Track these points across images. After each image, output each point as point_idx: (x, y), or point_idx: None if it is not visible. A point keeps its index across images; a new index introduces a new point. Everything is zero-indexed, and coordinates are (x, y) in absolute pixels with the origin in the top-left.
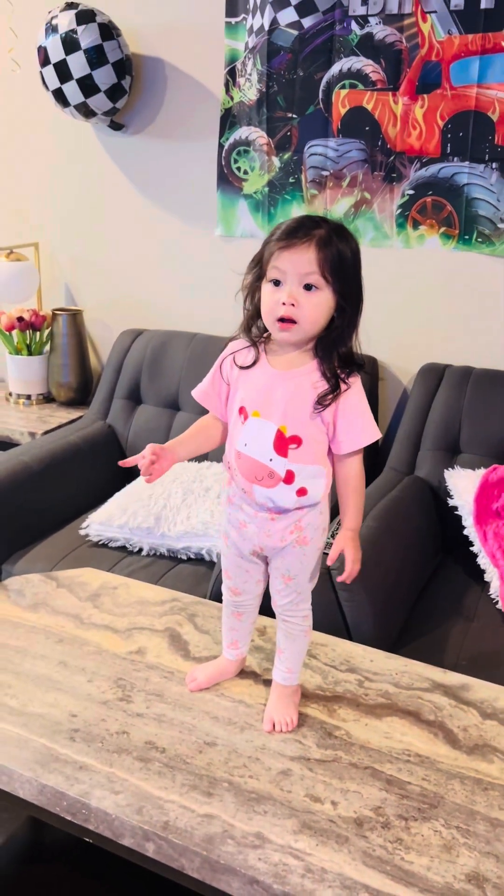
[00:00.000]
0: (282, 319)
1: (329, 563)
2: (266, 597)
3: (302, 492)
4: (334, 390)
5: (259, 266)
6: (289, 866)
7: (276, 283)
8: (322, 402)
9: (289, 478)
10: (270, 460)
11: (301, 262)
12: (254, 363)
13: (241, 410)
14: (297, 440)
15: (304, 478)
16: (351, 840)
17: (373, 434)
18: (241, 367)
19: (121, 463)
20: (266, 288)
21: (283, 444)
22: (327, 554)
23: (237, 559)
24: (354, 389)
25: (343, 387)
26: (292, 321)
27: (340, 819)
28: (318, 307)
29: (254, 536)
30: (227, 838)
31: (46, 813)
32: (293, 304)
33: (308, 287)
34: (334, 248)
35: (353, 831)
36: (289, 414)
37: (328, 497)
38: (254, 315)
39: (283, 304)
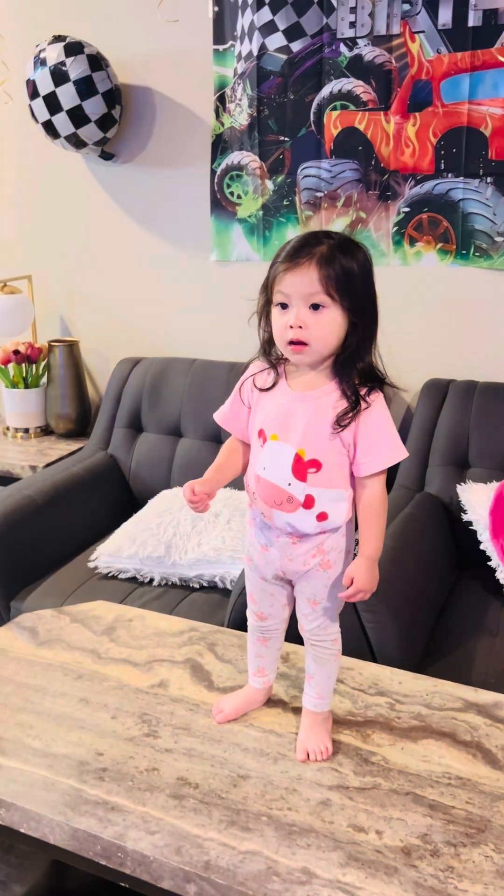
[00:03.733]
0: (292, 342)
1: (344, 585)
2: (292, 621)
3: (322, 516)
4: (354, 409)
5: (267, 290)
6: None
7: (284, 306)
8: (340, 423)
9: (308, 502)
10: (289, 485)
11: (303, 282)
12: (273, 385)
13: (261, 433)
14: (316, 464)
15: (325, 502)
16: (400, 870)
17: (396, 454)
18: (261, 390)
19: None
20: (274, 312)
21: (302, 468)
22: None
23: (261, 583)
24: (376, 407)
25: (363, 405)
26: (303, 343)
27: (387, 849)
28: (327, 326)
29: (275, 560)
30: (272, 875)
31: (78, 858)
32: (301, 327)
33: (315, 307)
34: (338, 264)
35: (402, 861)
36: (307, 437)
37: (353, 519)
38: (270, 338)
39: (291, 326)
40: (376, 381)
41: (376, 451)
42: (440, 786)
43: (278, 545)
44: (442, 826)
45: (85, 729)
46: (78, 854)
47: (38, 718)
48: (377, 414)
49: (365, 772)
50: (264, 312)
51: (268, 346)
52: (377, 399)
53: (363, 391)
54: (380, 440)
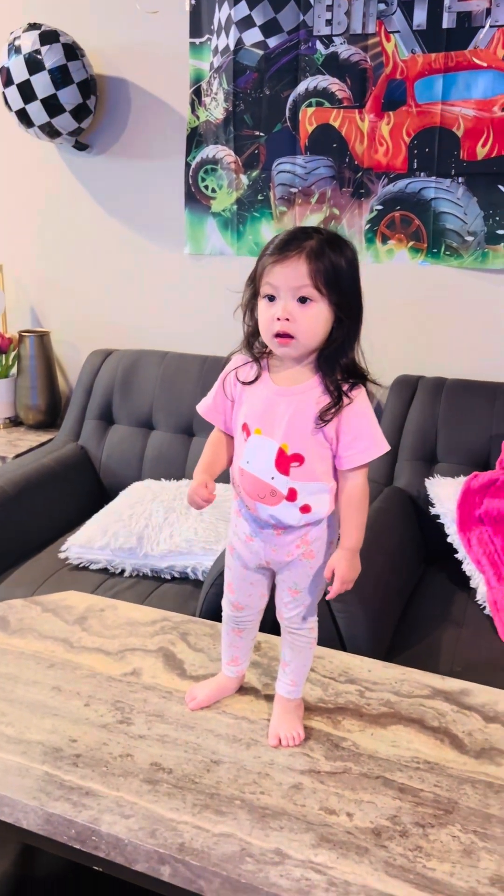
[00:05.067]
0: (279, 335)
1: (326, 577)
2: (266, 612)
3: (306, 509)
4: (336, 404)
5: (254, 283)
6: (312, 881)
7: (271, 298)
8: (323, 418)
9: (291, 496)
10: (272, 478)
11: (292, 275)
12: (256, 379)
13: (244, 427)
14: (299, 458)
15: (308, 495)
16: (371, 851)
17: (378, 448)
18: (244, 383)
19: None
20: (261, 304)
21: (285, 462)
22: None
23: (243, 571)
24: (358, 402)
25: (345, 400)
26: (289, 336)
27: (357, 830)
28: (313, 319)
29: (260, 550)
30: (245, 856)
31: (52, 843)
32: (288, 319)
33: (302, 300)
34: (326, 259)
35: (372, 842)
36: (291, 431)
37: (336, 511)
38: (254, 332)
39: (278, 319)
40: (359, 377)
41: (358, 445)
42: (409, 770)
43: (263, 535)
44: (411, 808)
45: (58, 716)
46: (52, 839)
47: (11, 706)
48: (359, 409)
49: (336, 756)
50: (250, 305)
51: (252, 338)
52: (360, 394)
53: (346, 387)
54: (361, 435)
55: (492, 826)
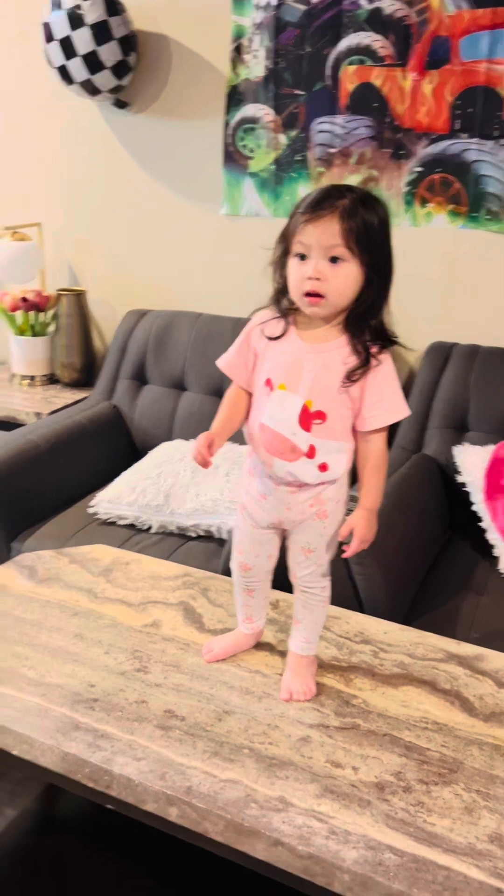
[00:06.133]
0: (309, 294)
1: (340, 538)
2: (281, 569)
3: (323, 467)
4: (364, 365)
5: (285, 240)
6: (312, 828)
7: (302, 257)
8: (351, 378)
9: (311, 453)
10: (293, 434)
11: (324, 234)
12: (282, 335)
13: (268, 382)
14: (321, 415)
15: (327, 453)
16: (373, 804)
17: (399, 412)
18: (270, 338)
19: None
20: (292, 262)
21: (308, 418)
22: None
23: (252, 531)
24: (384, 365)
25: (373, 362)
26: (319, 295)
27: (362, 784)
28: (345, 280)
29: (272, 509)
30: (250, 802)
31: (67, 780)
32: (318, 279)
33: (333, 259)
34: (359, 218)
35: (375, 795)
36: (316, 388)
37: (349, 471)
38: (283, 288)
39: (309, 278)
40: (386, 339)
41: (382, 407)
42: (417, 729)
43: (277, 493)
44: (416, 766)
45: (78, 662)
46: (67, 776)
47: (34, 651)
48: (386, 371)
49: (345, 713)
50: (280, 262)
51: (280, 295)
52: (387, 357)
53: (374, 349)
54: (386, 397)
55: (495, 787)
